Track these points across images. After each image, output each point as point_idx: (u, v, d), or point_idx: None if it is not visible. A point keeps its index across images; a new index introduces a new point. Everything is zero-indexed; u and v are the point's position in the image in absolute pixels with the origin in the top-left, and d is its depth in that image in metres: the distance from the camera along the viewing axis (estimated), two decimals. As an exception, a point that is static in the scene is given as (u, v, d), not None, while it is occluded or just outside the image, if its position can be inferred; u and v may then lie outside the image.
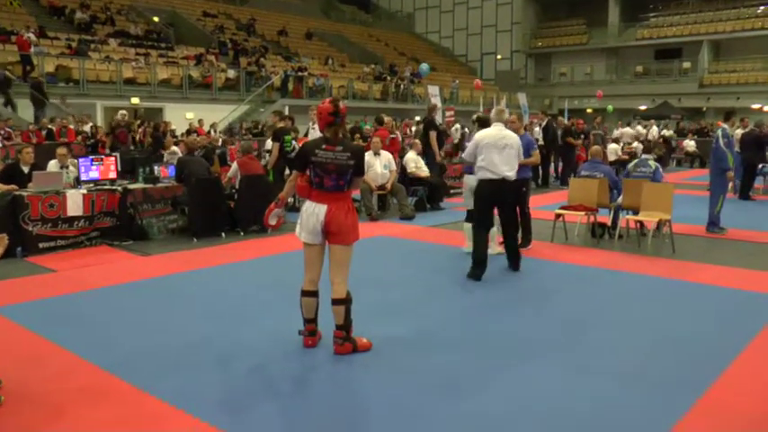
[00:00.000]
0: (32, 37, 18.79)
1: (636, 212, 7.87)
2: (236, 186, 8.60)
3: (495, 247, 6.92)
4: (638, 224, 7.96)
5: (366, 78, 28.40)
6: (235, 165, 8.75)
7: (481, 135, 6.25)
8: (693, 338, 4.60)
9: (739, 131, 12.86)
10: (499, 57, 39.86)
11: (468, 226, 7.29)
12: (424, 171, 10.85)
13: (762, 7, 31.50)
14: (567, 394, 3.65)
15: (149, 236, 8.15)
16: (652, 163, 8.36)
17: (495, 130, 6.25)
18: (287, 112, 13.23)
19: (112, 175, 8.43)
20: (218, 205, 8.36)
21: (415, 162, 10.85)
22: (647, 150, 10.06)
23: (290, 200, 8.30)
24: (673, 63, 33.58)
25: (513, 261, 6.54)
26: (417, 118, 21.68)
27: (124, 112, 13.96)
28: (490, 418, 3.38)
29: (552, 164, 15.27)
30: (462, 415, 3.40)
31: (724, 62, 33.11)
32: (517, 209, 6.81)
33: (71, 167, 8.57)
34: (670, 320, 5.02)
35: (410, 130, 18.93)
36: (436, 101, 18.03)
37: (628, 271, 6.63)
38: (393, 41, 38.48)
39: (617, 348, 4.41)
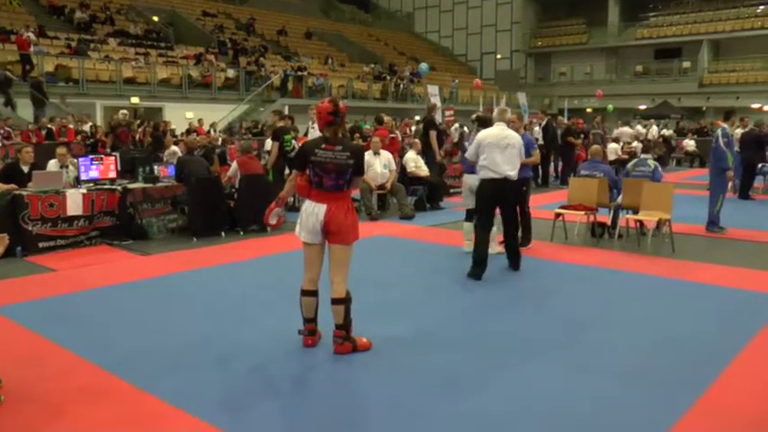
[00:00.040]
0: (32, 36, 18.78)
1: (636, 212, 7.87)
2: (236, 186, 8.59)
3: (495, 246, 6.92)
4: (638, 223, 7.96)
5: (366, 78, 28.39)
6: (234, 164, 8.75)
7: (483, 134, 6.26)
8: (693, 338, 4.60)
9: (739, 131, 12.86)
10: (499, 56, 39.85)
11: (468, 225, 7.30)
12: (423, 170, 10.85)
13: (761, 7, 31.50)
14: (567, 394, 3.65)
15: (149, 235, 8.15)
16: (651, 162, 8.36)
17: (498, 130, 6.25)
18: (286, 112, 13.22)
19: (112, 174, 8.42)
20: (217, 205, 8.35)
21: (414, 161, 10.85)
22: (645, 150, 10.05)
23: (290, 199, 8.30)
24: (672, 63, 33.58)
25: (514, 260, 6.54)
26: (417, 117, 21.68)
27: (125, 111, 13.97)
28: (490, 417, 3.38)
29: (552, 163, 15.27)
30: (462, 414, 3.39)
31: (724, 62, 33.12)
32: (517, 208, 6.81)
33: (71, 167, 8.57)
34: (670, 320, 5.03)
35: (410, 130, 18.93)
36: (436, 100, 18.01)
37: (627, 270, 6.63)
38: (393, 41, 38.47)
39: (617, 348, 4.41)
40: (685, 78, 32.50)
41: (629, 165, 8.65)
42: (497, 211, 6.40)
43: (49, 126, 15.00)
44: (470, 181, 7.13)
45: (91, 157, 8.81)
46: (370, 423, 3.39)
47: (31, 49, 18.28)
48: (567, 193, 8.72)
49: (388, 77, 29.42)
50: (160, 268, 6.68)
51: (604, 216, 8.27)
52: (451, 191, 12.06)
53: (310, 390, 3.76)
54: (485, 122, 7.19)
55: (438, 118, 15.46)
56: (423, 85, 26.77)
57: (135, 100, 19.57)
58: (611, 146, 16.50)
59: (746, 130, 13.00)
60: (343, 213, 4.13)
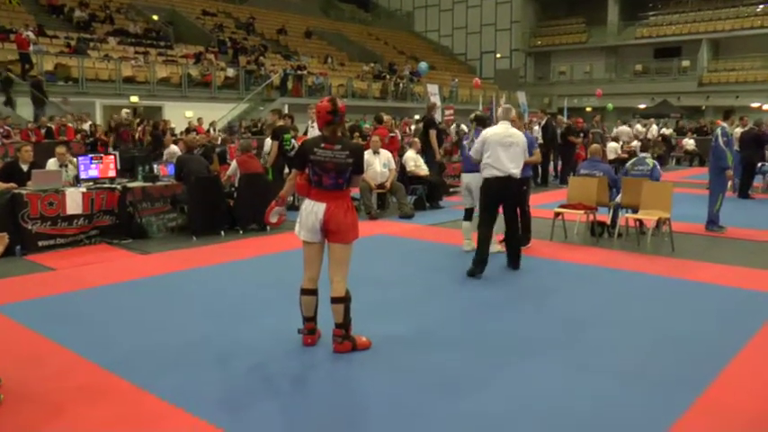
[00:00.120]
0: (31, 35, 18.75)
1: (635, 211, 7.87)
2: (236, 185, 8.59)
3: (495, 245, 6.92)
4: (638, 223, 7.96)
5: (365, 77, 28.38)
6: (234, 163, 8.75)
7: (488, 133, 6.29)
8: (693, 337, 4.60)
9: (738, 130, 12.85)
10: (498, 55, 39.84)
11: (467, 224, 7.31)
12: (423, 170, 10.84)
13: (761, 6, 31.50)
14: (566, 393, 3.65)
15: (149, 234, 8.14)
16: (650, 161, 8.36)
17: (502, 128, 6.28)
18: (286, 111, 13.21)
19: (112, 173, 8.42)
20: (217, 204, 8.35)
21: (414, 161, 10.84)
22: (644, 148, 10.05)
23: (290, 198, 8.30)
24: (672, 62, 33.58)
25: (513, 259, 6.54)
26: (417, 116, 21.68)
27: (128, 110, 13.97)
28: (490, 416, 3.38)
29: (552, 162, 15.27)
30: (462, 414, 3.39)
31: (723, 61, 33.12)
32: (517, 208, 6.81)
33: (70, 166, 8.57)
34: (669, 319, 5.03)
35: (409, 129, 18.92)
36: (435, 99, 18.02)
37: (627, 269, 6.63)
38: (392, 40, 38.46)
39: (617, 347, 4.41)
40: (685, 77, 32.51)
41: (628, 164, 8.66)
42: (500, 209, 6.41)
43: (49, 125, 15.00)
44: (468, 180, 7.14)
45: (90, 155, 8.81)
46: (369, 422, 3.38)
47: (31, 48, 18.26)
48: (566, 192, 8.72)
49: (388, 76, 29.41)
50: (160, 267, 6.68)
51: (604, 215, 8.27)
52: (451, 190, 12.06)
53: (310, 389, 3.76)
54: (483, 122, 7.21)
55: (438, 117, 15.46)
56: (422, 84, 26.76)
57: (134, 99, 19.55)
58: (611, 145, 16.50)
59: (746, 129, 12.99)
60: (342, 212, 4.13)
